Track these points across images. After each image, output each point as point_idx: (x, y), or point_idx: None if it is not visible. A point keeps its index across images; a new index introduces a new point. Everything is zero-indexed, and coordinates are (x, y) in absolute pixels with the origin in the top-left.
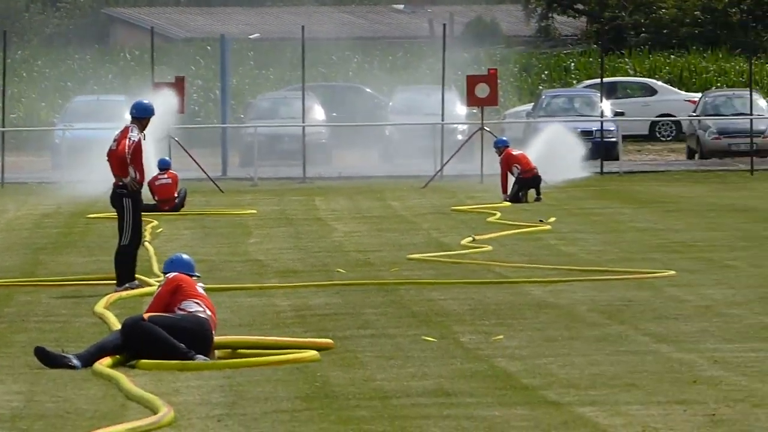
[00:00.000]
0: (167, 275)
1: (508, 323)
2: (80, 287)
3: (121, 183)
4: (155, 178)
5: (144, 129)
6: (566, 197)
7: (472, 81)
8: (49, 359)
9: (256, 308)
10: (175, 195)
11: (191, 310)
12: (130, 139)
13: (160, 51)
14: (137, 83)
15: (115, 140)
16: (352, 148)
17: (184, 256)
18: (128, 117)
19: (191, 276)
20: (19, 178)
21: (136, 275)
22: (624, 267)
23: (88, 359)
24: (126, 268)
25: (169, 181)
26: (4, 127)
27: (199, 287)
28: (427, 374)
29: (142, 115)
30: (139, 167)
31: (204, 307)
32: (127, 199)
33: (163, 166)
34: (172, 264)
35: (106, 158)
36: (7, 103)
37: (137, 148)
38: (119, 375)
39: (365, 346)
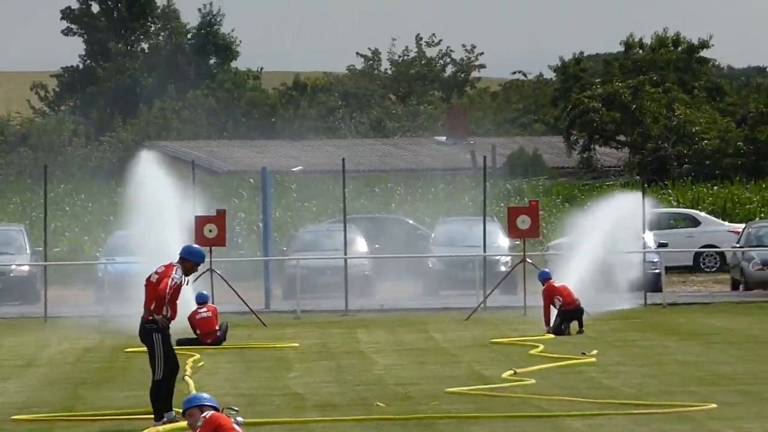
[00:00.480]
0: (204, 415)
1: None
2: (120, 422)
3: (150, 318)
4: (195, 312)
5: (188, 273)
6: (609, 329)
7: (513, 213)
8: None
9: None
10: (217, 328)
11: None
12: (173, 279)
13: (202, 184)
14: (179, 216)
15: (156, 273)
16: (395, 280)
17: (204, 394)
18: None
19: (220, 410)
20: (63, 312)
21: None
22: (664, 400)
23: None
24: (162, 402)
25: (209, 314)
26: (46, 261)
27: (239, 421)
28: None
29: (190, 258)
30: (174, 307)
31: None
32: (156, 333)
33: (202, 300)
34: (196, 399)
35: (144, 285)
36: (51, 237)
37: (177, 290)
38: None
39: None
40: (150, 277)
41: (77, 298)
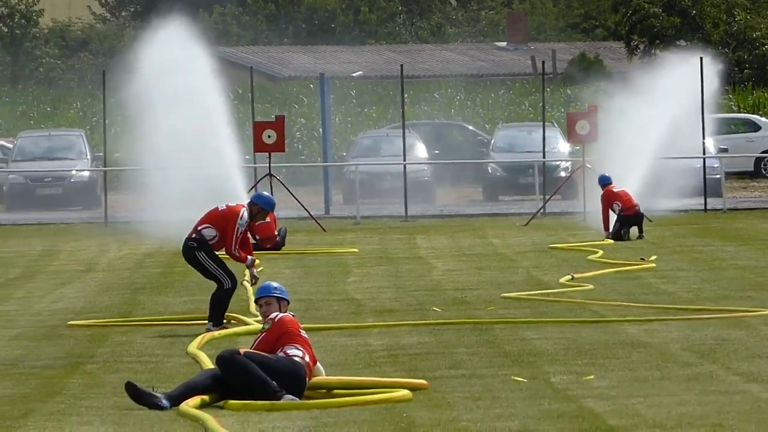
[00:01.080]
0: (275, 318)
1: (600, 363)
2: (176, 327)
3: (194, 236)
4: None
5: (255, 220)
6: (669, 235)
7: (572, 118)
8: (139, 396)
9: (350, 348)
10: (276, 233)
11: (290, 353)
12: (238, 229)
13: (263, 90)
14: (238, 122)
15: (226, 206)
16: (455, 186)
17: (274, 283)
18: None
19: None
20: (123, 218)
21: (235, 315)
22: (722, 305)
23: (177, 398)
24: (220, 309)
25: (268, 219)
26: (106, 166)
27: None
28: (513, 415)
29: (261, 204)
30: (248, 248)
31: (304, 351)
32: (199, 252)
33: None
34: (261, 290)
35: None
36: (112, 143)
37: (244, 236)
38: (206, 416)
39: (455, 387)
40: (218, 207)
41: (138, 203)
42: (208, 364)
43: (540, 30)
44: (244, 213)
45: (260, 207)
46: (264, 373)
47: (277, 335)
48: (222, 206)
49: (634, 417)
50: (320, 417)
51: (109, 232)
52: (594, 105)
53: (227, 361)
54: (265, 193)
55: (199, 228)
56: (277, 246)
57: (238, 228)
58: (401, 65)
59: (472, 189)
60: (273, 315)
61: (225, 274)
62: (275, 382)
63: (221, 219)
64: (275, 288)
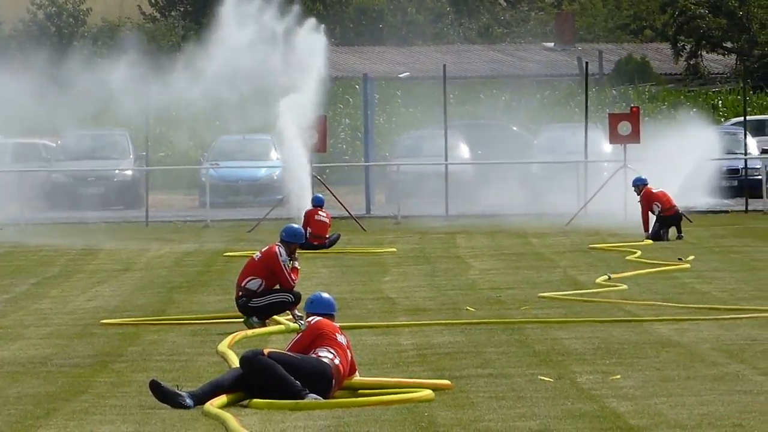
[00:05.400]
0: (310, 320)
1: (628, 362)
2: (209, 326)
3: (240, 293)
4: (314, 212)
5: (292, 254)
6: (708, 235)
7: (614, 119)
8: (163, 394)
9: (380, 347)
10: (327, 236)
11: (321, 354)
12: (283, 263)
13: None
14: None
15: (260, 253)
16: (497, 186)
17: (324, 296)
18: (273, 156)
19: (332, 316)
20: (165, 217)
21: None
22: (756, 305)
23: (202, 397)
24: (271, 310)
25: (326, 221)
26: (148, 166)
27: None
28: (535, 414)
29: (291, 240)
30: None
31: (335, 354)
32: (250, 300)
33: (318, 203)
34: (313, 304)
35: (246, 263)
36: (156, 142)
37: (294, 270)
38: (227, 415)
39: (480, 386)
40: (254, 255)
41: (180, 203)
42: (237, 363)
43: (589, 31)
44: (281, 250)
45: (293, 243)
46: (288, 373)
47: (313, 337)
48: (256, 255)
49: (655, 417)
50: (343, 417)
51: (149, 231)
52: (636, 106)
53: (250, 360)
54: (294, 225)
55: (242, 284)
56: (324, 246)
57: (283, 264)
58: (444, 65)
59: (514, 189)
60: (311, 318)
61: (284, 294)
62: (300, 382)
63: (262, 267)
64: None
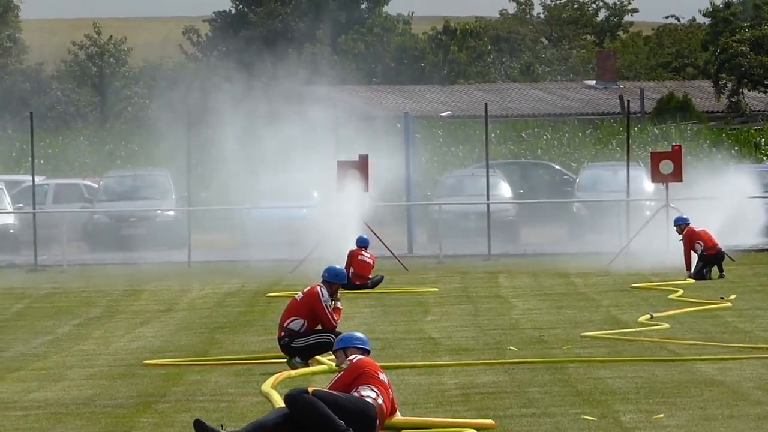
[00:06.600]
0: (353, 359)
1: (672, 401)
2: (252, 366)
3: (282, 333)
4: (358, 252)
5: (334, 294)
6: (750, 274)
7: (656, 157)
8: None
9: (422, 386)
10: (370, 277)
11: (363, 393)
12: (325, 304)
13: (351, 128)
14: (320, 162)
15: (302, 293)
16: (539, 225)
17: (356, 334)
18: (315, 196)
19: (367, 352)
20: (207, 257)
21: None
22: None
23: None
24: (313, 350)
25: (370, 261)
26: (190, 206)
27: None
28: None
29: (333, 281)
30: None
31: (378, 393)
32: (293, 341)
33: (363, 244)
34: (342, 341)
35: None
36: (197, 182)
37: (336, 310)
38: None
39: (523, 426)
40: (296, 296)
41: (222, 243)
42: (280, 403)
43: (630, 68)
44: (323, 290)
45: (335, 284)
46: (332, 412)
47: (354, 375)
48: (298, 295)
49: None
50: None
51: (192, 271)
52: (678, 144)
53: (295, 399)
54: (336, 265)
55: (285, 324)
56: (366, 287)
57: (325, 305)
58: (485, 104)
59: (556, 228)
60: (352, 356)
61: (326, 334)
62: (343, 421)
63: (305, 307)
64: (352, 339)
